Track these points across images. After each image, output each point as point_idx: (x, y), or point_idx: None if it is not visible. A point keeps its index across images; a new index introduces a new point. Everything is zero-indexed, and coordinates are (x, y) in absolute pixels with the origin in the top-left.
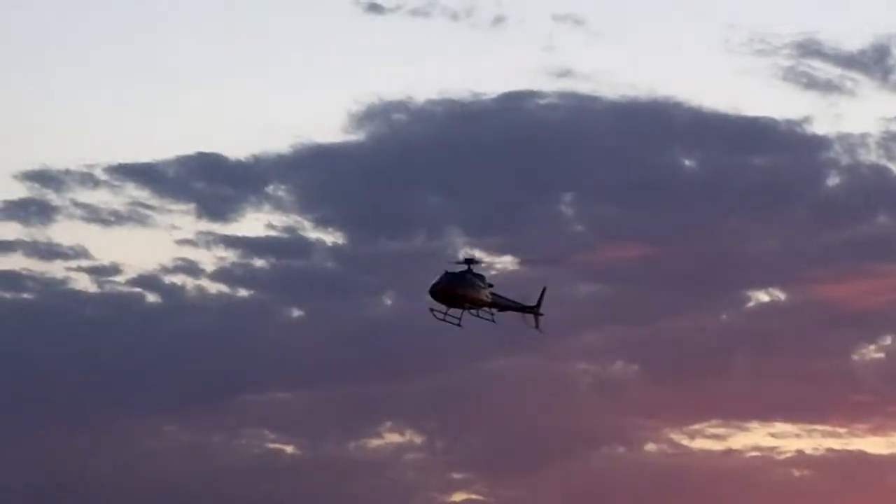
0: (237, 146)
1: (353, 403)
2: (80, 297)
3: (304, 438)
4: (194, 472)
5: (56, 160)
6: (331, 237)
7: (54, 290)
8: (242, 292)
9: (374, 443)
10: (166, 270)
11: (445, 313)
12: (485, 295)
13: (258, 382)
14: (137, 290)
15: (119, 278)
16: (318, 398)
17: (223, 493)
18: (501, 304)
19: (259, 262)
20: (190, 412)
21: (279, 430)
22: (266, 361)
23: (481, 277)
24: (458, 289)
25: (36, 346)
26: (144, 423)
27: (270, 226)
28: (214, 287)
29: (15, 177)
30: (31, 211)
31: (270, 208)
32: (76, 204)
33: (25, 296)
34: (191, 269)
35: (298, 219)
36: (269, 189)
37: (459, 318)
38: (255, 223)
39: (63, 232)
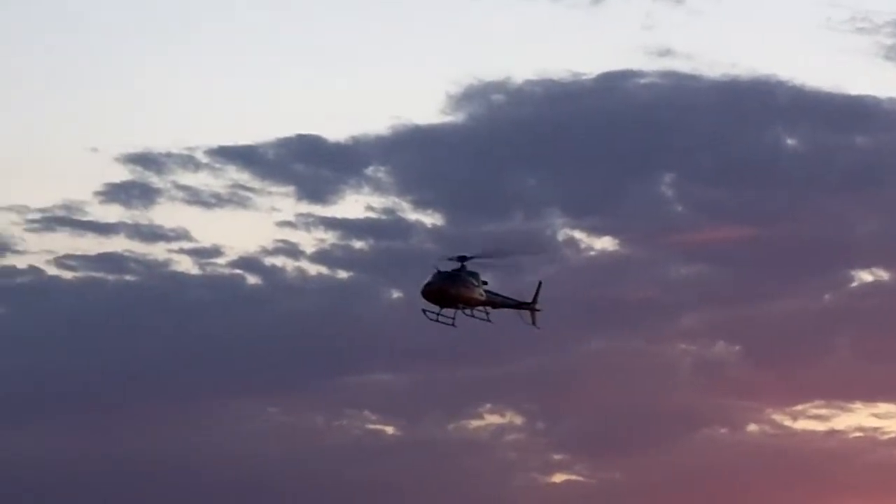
0: (336, 128)
1: (454, 384)
2: (181, 279)
3: (404, 419)
4: (295, 453)
5: (157, 143)
6: (430, 219)
7: (156, 272)
8: (342, 274)
9: (475, 424)
10: (267, 252)
11: (438, 314)
12: (479, 293)
13: (358, 364)
14: (238, 271)
15: (220, 260)
16: (418, 379)
17: (324, 473)
18: (497, 302)
19: (358, 244)
20: (291, 394)
21: (380, 412)
22: (366, 343)
23: (475, 275)
24: (451, 289)
25: (138, 328)
26: (245, 404)
27: (370, 207)
28: (314, 269)
29: (117, 160)
30: (133, 194)
31: (370, 190)
32: (177, 186)
33: (128, 278)
34: (291, 250)
35: (397, 200)
36: (369, 171)
37: (453, 319)
38: (354, 205)
39: (165, 214)
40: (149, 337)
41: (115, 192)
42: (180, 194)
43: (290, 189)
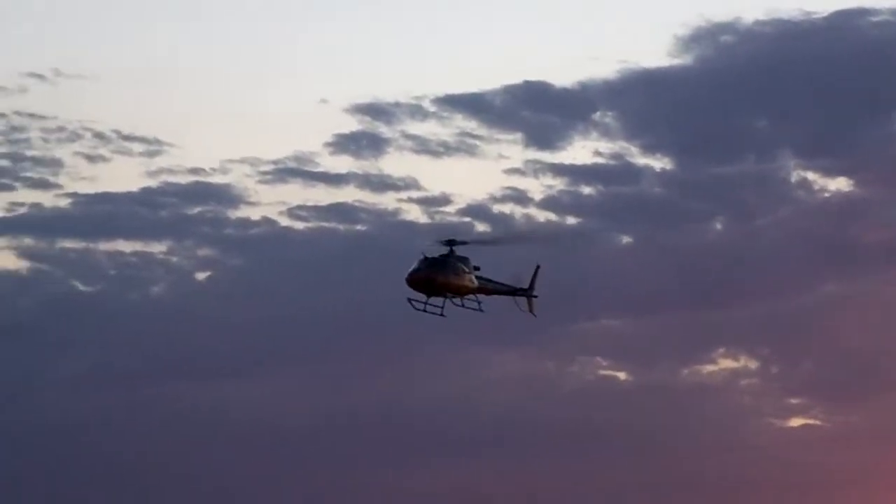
0: (563, 73)
1: (686, 329)
2: (411, 227)
3: (636, 365)
4: (527, 400)
5: (385, 93)
6: (659, 163)
7: (386, 221)
8: (571, 220)
9: (708, 369)
10: (495, 200)
11: (426, 303)
12: (469, 280)
13: (589, 310)
14: (467, 219)
15: (449, 208)
16: (649, 325)
17: (556, 420)
18: (489, 289)
19: (587, 190)
20: (521, 341)
21: (611, 357)
22: (596, 289)
23: (465, 260)
24: (440, 276)
25: (369, 277)
26: (476, 352)
27: (598, 153)
28: (543, 215)
29: (346, 110)
30: (362, 144)
31: (597, 135)
32: (406, 136)
33: (359, 227)
34: (519, 197)
35: (626, 145)
36: (596, 116)
37: (442, 308)
38: (582, 151)
39: (394, 163)
40: (379, 286)
41: (344, 143)
42: (409, 143)
43: (518, 136)
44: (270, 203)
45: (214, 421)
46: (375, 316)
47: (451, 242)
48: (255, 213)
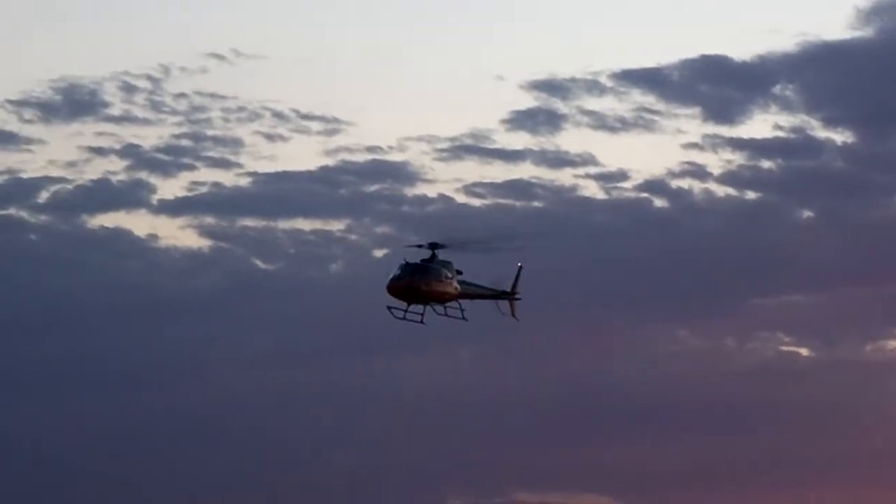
0: (742, 47)
1: (869, 305)
2: (588, 203)
3: (818, 341)
4: (707, 375)
5: (562, 69)
6: (840, 136)
7: (563, 197)
8: (750, 195)
9: (892, 344)
10: (673, 175)
11: (406, 311)
12: (453, 287)
13: (769, 285)
14: (644, 195)
15: (626, 184)
16: (831, 300)
17: (736, 396)
18: (472, 294)
19: (766, 164)
20: (701, 316)
21: (793, 333)
22: (776, 264)
23: (448, 265)
24: (423, 284)
25: (547, 253)
26: (656, 328)
27: (777, 126)
28: (722, 190)
29: (522, 87)
30: (539, 120)
31: (777, 109)
32: (583, 112)
33: (536, 204)
34: (697, 172)
35: (806, 118)
36: (776, 89)
37: (422, 315)
38: (761, 124)
39: (571, 140)
40: (557, 261)
41: (521, 119)
42: (585, 119)
43: (696, 110)
44: (447, 180)
45: (395, 397)
46: (554, 292)
47: (433, 246)
48: (431, 191)
